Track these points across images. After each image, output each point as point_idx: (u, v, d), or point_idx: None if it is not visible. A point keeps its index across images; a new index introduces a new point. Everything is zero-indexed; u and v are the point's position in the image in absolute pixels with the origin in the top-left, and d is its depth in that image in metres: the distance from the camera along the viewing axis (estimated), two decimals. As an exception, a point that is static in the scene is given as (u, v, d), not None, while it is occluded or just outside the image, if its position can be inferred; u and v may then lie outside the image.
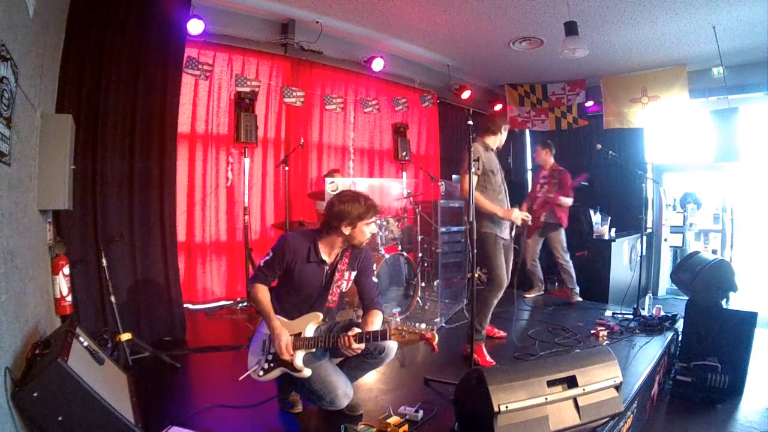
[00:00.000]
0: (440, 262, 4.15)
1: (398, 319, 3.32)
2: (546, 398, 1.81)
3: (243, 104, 4.33)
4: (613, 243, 5.02)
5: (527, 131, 7.17)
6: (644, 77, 5.79)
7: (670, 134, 6.09)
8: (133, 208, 3.22)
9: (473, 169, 2.68)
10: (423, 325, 1.92)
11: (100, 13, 2.95)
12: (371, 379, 2.74)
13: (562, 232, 4.86)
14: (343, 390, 2.11)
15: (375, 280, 2.32)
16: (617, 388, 2.00)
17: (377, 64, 5.20)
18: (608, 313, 4.26)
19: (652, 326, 3.63)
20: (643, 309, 4.17)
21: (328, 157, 5.35)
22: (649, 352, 3.17)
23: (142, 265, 3.27)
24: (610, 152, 4.14)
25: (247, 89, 4.42)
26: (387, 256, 3.90)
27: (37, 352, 1.73)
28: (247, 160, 4.50)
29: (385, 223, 4.05)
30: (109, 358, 2.22)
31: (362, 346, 1.99)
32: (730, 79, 5.14)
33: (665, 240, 6.20)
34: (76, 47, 2.84)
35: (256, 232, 4.71)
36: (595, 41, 4.82)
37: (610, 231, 5.22)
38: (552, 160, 5.04)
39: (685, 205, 5.95)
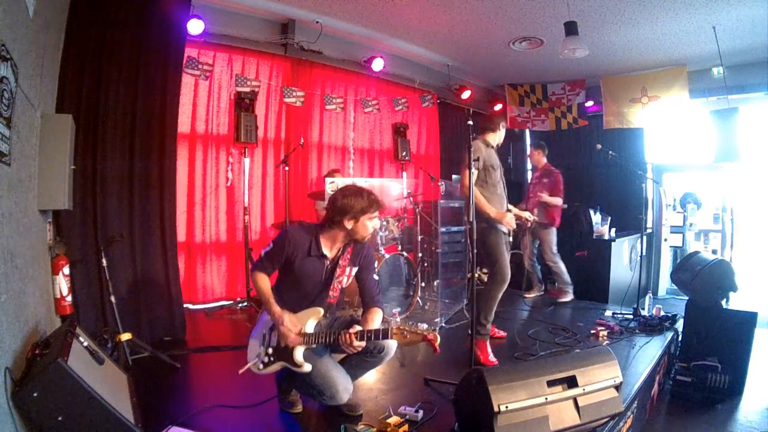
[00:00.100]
0: (440, 262, 4.15)
1: (398, 319, 3.31)
2: (546, 398, 1.81)
3: (243, 104, 4.33)
4: (613, 243, 5.02)
5: (527, 131, 7.17)
6: (644, 77, 5.80)
7: (670, 134, 6.09)
8: (133, 208, 3.22)
9: (473, 168, 2.69)
10: (425, 326, 1.91)
11: (100, 13, 2.95)
12: (371, 379, 2.74)
13: (553, 232, 4.86)
14: (343, 385, 2.10)
15: (376, 277, 2.32)
16: (617, 388, 2.00)
17: (377, 64, 5.20)
18: (608, 313, 4.26)
19: (652, 326, 3.63)
20: (643, 309, 4.17)
21: (328, 157, 5.35)
22: (649, 352, 3.17)
23: (142, 265, 3.27)
24: (610, 152, 4.15)
25: (247, 89, 4.42)
26: (387, 256, 3.90)
27: (37, 352, 1.73)
28: (247, 160, 4.50)
29: (385, 223, 4.05)
30: (109, 358, 2.22)
31: (363, 343, 1.98)
32: (730, 79, 5.14)
33: (665, 240, 6.20)
34: (76, 47, 2.84)
35: (256, 232, 4.71)
36: (595, 41, 4.82)
37: (610, 231, 5.23)
38: (545, 161, 5.06)
39: (685, 205, 5.95)
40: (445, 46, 5.50)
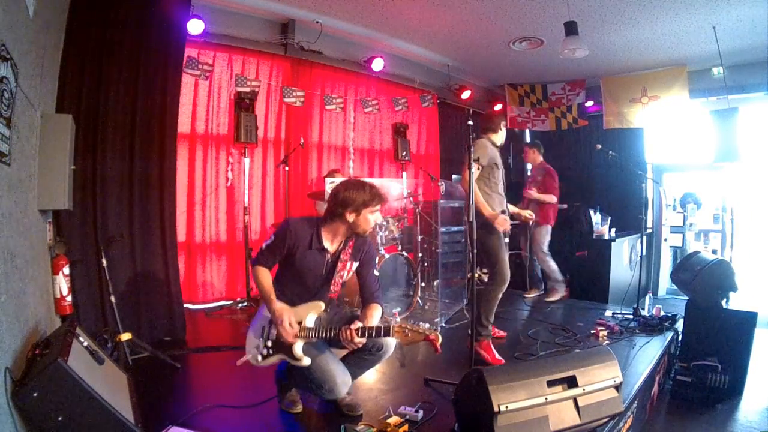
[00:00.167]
0: (440, 262, 4.15)
1: (398, 319, 3.32)
2: (546, 398, 1.81)
3: (243, 104, 4.33)
4: (613, 243, 5.02)
5: (527, 131, 7.17)
6: (644, 77, 5.80)
7: (670, 134, 6.09)
8: (133, 208, 3.22)
9: (474, 167, 2.69)
10: (426, 325, 1.91)
11: (100, 13, 2.95)
12: (371, 379, 2.74)
13: (546, 230, 4.86)
14: (341, 378, 2.08)
15: (376, 273, 2.31)
16: (617, 388, 2.00)
17: (377, 64, 5.20)
18: (608, 313, 4.26)
19: (652, 326, 3.63)
20: (643, 309, 4.17)
21: (328, 157, 5.35)
22: (649, 352, 3.17)
23: (142, 265, 3.27)
24: (610, 152, 4.15)
25: (247, 89, 4.42)
26: (387, 256, 3.90)
27: (37, 352, 1.73)
28: (247, 160, 4.50)
29: (385, 223, 4.05)
30: (109, 358, 2.22)
31: (363, 340, 1.97)
32: (730, 79, 5.14)
33: (665, 240, 6.20)
34: (76, 47, 2.84)
35: (256, 232, 4.71)
36: (595, 41, 4.82)
37: (610, 231, 5.23)
38: (540, 159, 5.08)
39: (685, 205, 5.95)
40: (445, 46, 5.50)
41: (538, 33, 4.92)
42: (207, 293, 4.42)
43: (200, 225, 4.40)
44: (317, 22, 4.67)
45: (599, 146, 4.24)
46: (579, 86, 6.43)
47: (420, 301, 4.25)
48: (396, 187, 4.88)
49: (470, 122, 2.49)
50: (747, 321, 3.25)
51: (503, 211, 3.14)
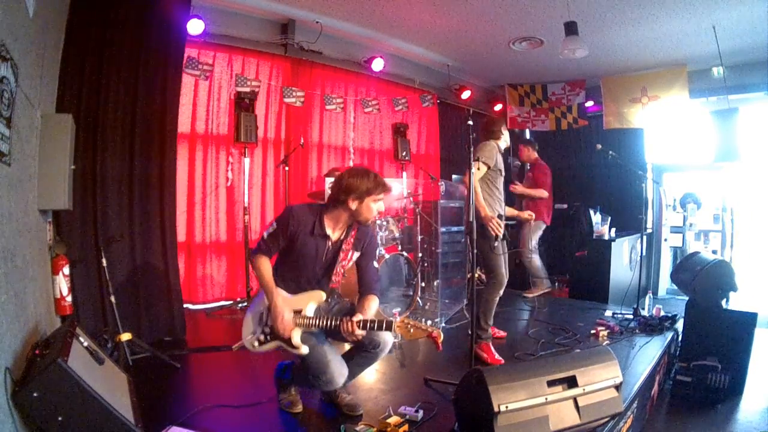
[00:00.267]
0: (440, 262, 4.15)
1: (398, 318, 3.32)
2: (546, 398, 1.81)
3: (243, 104, 4.33)
4: (613, 243, 5.02)
5: (527, 131, 7.17)
6: (644, 77, 5.79)
7: (670, 134, 6.09)
8: (133, 208, 3.22)
9: (474, 167, 2.69)
10: (429, 322, 1.92)
11: (100, 13, 2.95)
12: (371, 379, 2.74)
13: (536, 226, 4.85)
14: (339, 369, 2.07)
15: (376, 265, 2.31)
16: (617, 388, 2.00)
17: (377, 64, 5.20)
18: (608, 313, 4.26)
19: (652, 326, 3.63)
20: (643, 309, 4.17)
21: (328, 157, 5.35)
22: (649, 352, 3.17)
23: (142, 265, 3.27)
24: (610, 152, 4.14)
25: (247, 89, 4.42)
26: (387, 256, 3.90)
27: (37, 352, 1.73)
28: (247, 160, 4.50)
29: (385, 223, 4.05)
30: (109, 358, 2.22)
31: (364, 332, 1.97)
32: (730, 79, 5.14)
33: (665, 240, 6.20)
34: (76, 47, 2.84)
35: (256, 232, 4.70)
36: (595, 41, 4.82)
37: (610, 231, 5.23)
38: (535, 155, 5.11)
39: (685, 205, 5.95)
40: (445, 46, 5.50)
41: (538, 33, 4.92)
42: (207, 293, 4.41)
43: (200, 225, 4.40)
44: (317, 22, 4.67)
45: (599, 146, 4.24)
46: (579, 86, 6.42)
47: (420, 301, 4.25)
48: (396, 187, 4.88)
49: (470, 122, 2.49)
50: (747, 321, 3.25)
51: (500, 216, 3.14)
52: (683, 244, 5.97)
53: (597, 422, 1.95)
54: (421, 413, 2.18)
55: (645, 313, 4.04)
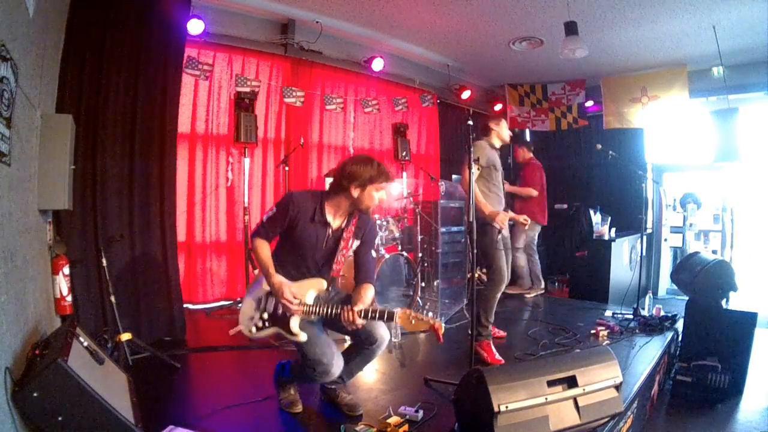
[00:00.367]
0: (440, 262, 4.15)
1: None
2: (546, 398, 1.81)
3: (243, 104, 4.33)
4: (613, 243, 5.03)
5: (527, 131, 7.18)
6: (644, 77, 5.79)
7: (670, 134, 6.08)
8: (133, 208, 3.22)
9: (473, 168, 2.70)
10: (430, 314, 1.91)
11: (100, 13, 2.94)
12: (371, 379, 2.74)
13: (527, 227, 4.87)
14: (335, 360, 2.07)
15: (374, 254, 2.31)
16: (617, 388, 2.00)
17: (377, 64, 5.20)
18: (608, 313, 4.26)
19: (652, 326, 3.63)
20: (643, 309, 4.17)
21: (328, 157, 5.35)
22: (649, 352, 3.17)
23: (142, 265, 3.27)
24: (610, 152, 4.15)
25: (247, 89, 4.42)
26: (387, 256, 3.90)
27: (37, 352, 1.73)
28: (247, 160, 4.50)
29: (385, 223, 4.05)
30: (109, 358, 2.22)
31: (364, 322, 1.97)
32: (730, 79, 5.14)
33: (665, 240, 6.20)
34: (76, 47, 2.84)
35: (256, 232, 4.71)
36: (595, 41, 4.82)
37: (610, 231, 5.23)
38: (529, 155, 5.13)
39: (685, 205, 5.95)
40: (445, 46, 5.50)
41: (538, 33, 4.91)
42: (207, 293, 4.41)
43: (200, 225, 4.40)
44: (317, 22, 4.67)
45: (599, 146, 4.24)
46: (579, 86, 6.42)
47: (420, 301, 4.25)
48: (396, 187, 4.88)
49: (470, 122, 2.49)
50: (747, 321, 3.25)
51: (505, 209, 3.16)
52: (683, 244, 5.97)
53: (597, 422, 1.95)
54: (421, 413, 2.18)
55: (645, 313, 4.04)
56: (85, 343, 1.97)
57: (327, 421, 2.20)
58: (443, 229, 4.16)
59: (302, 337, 2.01)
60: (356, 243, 2.21)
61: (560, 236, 6.17)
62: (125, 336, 2.71)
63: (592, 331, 3.61)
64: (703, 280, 3.48)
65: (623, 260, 5.31)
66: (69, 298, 2.58)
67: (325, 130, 5.30)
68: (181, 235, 4.05)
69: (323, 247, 2.15)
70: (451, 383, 2.46)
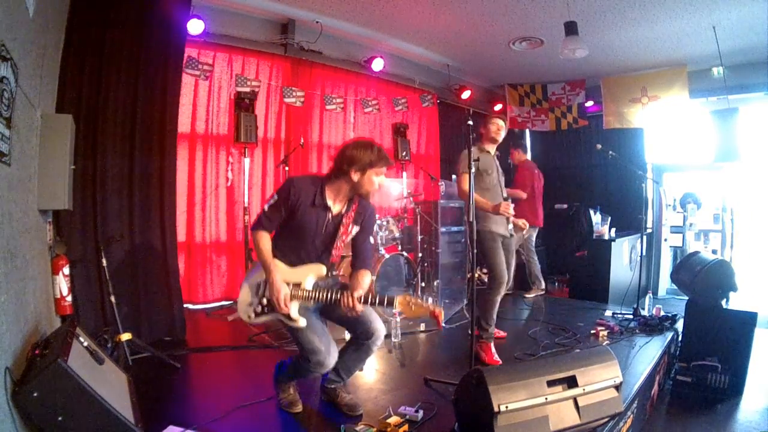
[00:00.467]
0: (440, 262, 4.15)
1: (398, 319, 3.32)
2: (546, 398, 1.81)
3: (243, 104, 4.33)
4: (613, 243, 5.03)
5: (527, 131, 7.18)
6: (644, 77, 5.79)
7: (670, 134, 6.09)
8: (133, 208, 3.22)
9: (472, 170, 2.70)
10: (430, 300, 1.91)
11: (100, 13, 2.95)
12: (371, 379, 2.74)
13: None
14: (331, 351, 2.07)
15: (372, 241, 2.30)
16: (617, 388, 2.00)
17: (377, 64, 5.20)
18: (608, 313, 4.26)
19: (652, 326, 3.63)
20: (643, 309, 4.17)
21: (328, 157, 5.34)
22: (649, 352, 3.17)
23: (142, 265, 3.27)
24: (610, 152, 4.15)
25: (247, 89, 4.42)
26: (387, 256, 3.90)
27: (37, 352, 1.73)
28: (247, 160, 4.50)
29: (385, 223, 4.05)
30: (109, 358, 2.22)
31: (364, 307, 1.98)
32: (730, 79, 5.14)
33: (665, 240, 6.20)
34: (76, 47, 2.84)
35: (256, 232, 4.71)
36: (595, 41, 4.82)
37: (610, 231, 5.23)
38: (524, 158, 5.14)
39: (685, 205, 5.95)
40: (445, 46, 5.50)
41: (538, 33, 4.92)
42: (207, 293, 4.42)
43: (200, 225, 4.40)
44: (317, 22, 4.67)
45: (599, 146, 4.24)
46: (579, 86, 6.42)
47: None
48: (396, 187, 4.88)
49: (470, 122, 2.49)
50: (747, 321, 3.25)
51: (505, 198, 3.15)
52: (683, 244, 5.97)
53: (597, 422, 1.95)
54: (421, 413, 2.18)
55: (645, 313, 4.04)
56: (85, 343, 1.97)
57: (327, 421, 2.19)
58: (443, 229, 4.16)
59: (301, 322, 2.01)
60: (356, 229, 2.21)
61: (560, 236, 6.17)
62: (125, 336, 2.71)
63: (592, 331, 3.61)
64: (703, 280, 3.48)
65: (623, 260, 5.31)
66: (69, 298, 2.59)
67: (325, 130, 5.30)
68: (181, 235, 4.05)
69: (323, 232, 2.15)
70: (451, 383, 2.46)
